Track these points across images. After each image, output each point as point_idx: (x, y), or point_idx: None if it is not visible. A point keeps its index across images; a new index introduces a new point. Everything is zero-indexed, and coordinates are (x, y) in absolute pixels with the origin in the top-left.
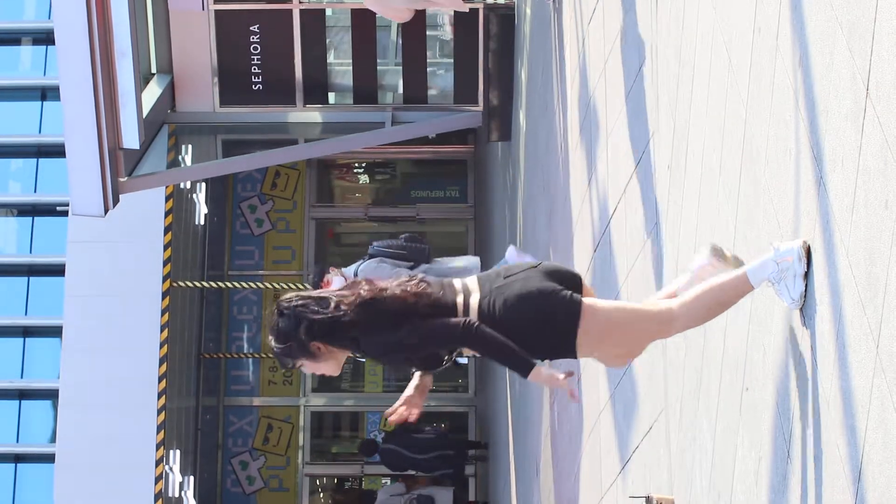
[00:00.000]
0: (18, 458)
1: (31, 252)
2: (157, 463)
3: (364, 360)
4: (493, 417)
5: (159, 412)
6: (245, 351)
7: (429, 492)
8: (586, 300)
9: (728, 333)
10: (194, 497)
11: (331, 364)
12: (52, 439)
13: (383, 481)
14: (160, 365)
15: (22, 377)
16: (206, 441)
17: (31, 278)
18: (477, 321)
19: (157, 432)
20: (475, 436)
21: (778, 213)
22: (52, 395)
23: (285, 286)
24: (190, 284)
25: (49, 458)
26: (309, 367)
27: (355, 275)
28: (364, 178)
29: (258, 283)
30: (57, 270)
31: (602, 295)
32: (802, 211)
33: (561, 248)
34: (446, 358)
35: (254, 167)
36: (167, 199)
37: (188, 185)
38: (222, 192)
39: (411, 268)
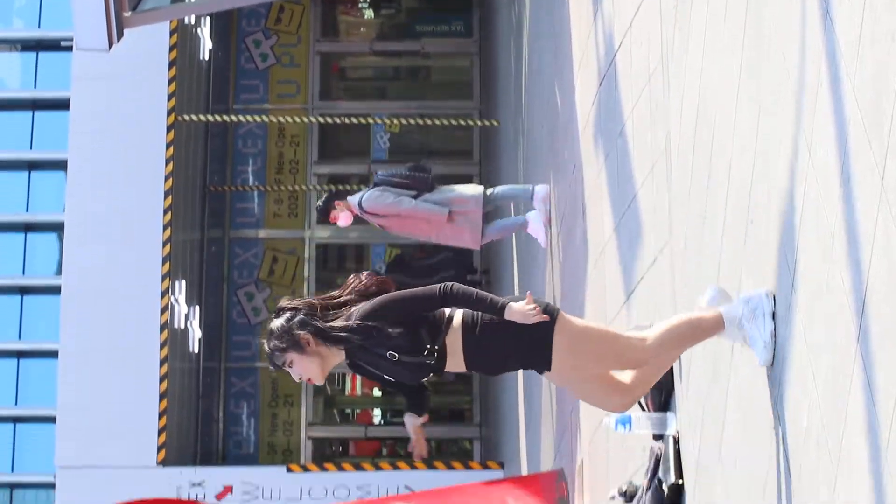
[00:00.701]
0: (24, 290)
1: (35, 87)
2: (163, 294)
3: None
4: (496, 248)
5: (164, 244)
6: (250, 184)
7: None
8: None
9: (733, 167)
10: (200, 327)
11: (316, 364)
12: (58, 272)
13: None
14: (165, 198)
15: (27, 210)
16: (212, 272)
17: (36, 112)
18: (451, 283)
19: (163, 264)
20: (478, 265)
21: (784, 48)
22: (57, 227)
23: (290, 119)
24: (195, 118)
25: (54, 290)
26: (296, 365)
27: (359, 204)
28: (369, 13)
29: (263, 117)
30: (61, 105)
31: (608, 127)
32: (808, 46)
33: (566, 83)
34: (427, 349)
35: (258, 2)
36: (171, 34)
37: (192, 20)
38: (226, 27)
39: (415, 196)
